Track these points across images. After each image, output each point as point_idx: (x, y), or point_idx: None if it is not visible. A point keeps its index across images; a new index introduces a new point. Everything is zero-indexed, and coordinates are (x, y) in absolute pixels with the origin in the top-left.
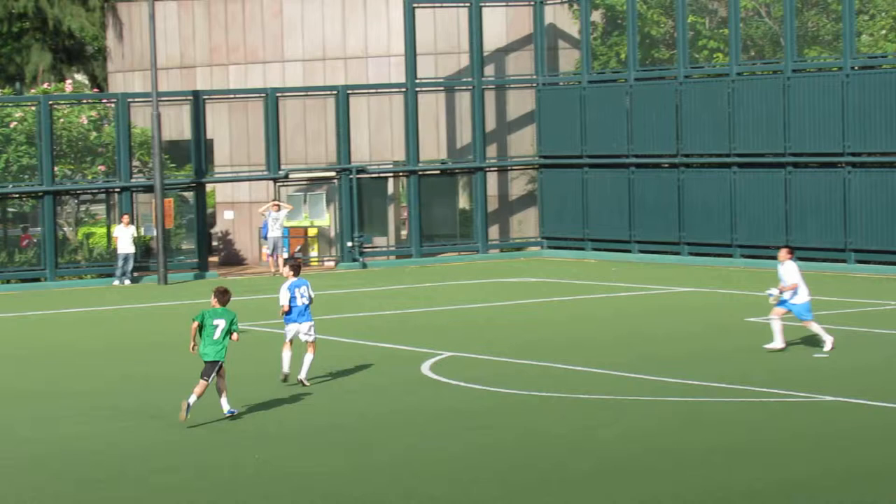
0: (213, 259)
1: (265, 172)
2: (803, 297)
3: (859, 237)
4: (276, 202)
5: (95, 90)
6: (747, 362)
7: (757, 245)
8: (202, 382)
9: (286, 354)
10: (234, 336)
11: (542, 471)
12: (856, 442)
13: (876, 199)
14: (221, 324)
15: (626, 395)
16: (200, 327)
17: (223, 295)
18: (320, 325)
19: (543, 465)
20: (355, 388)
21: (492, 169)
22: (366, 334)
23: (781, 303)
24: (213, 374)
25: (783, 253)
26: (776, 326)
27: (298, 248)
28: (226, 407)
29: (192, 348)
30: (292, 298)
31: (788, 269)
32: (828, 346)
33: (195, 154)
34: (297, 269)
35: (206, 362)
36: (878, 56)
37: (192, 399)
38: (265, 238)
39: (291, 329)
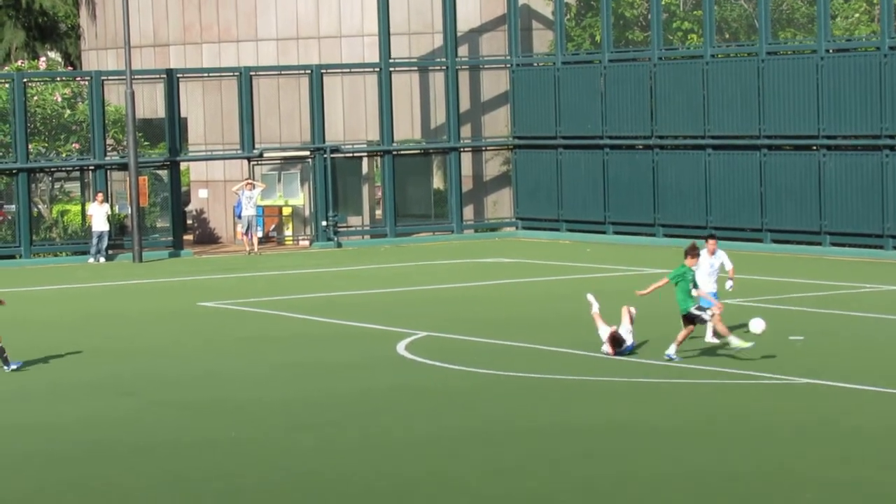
0: (188, 237)
1: (239, 151)
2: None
3: (834, 220)
4: (250, 181)
5: (69, 68)
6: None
7: (732, 227)
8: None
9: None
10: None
11: (519, 453)
12: (824, 424)
13: (851, 182)
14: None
15: (600, 377)
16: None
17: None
18: (293, 305)
19: (520, 448)
20: (329, 367)
21: (466, 149)
22: (340, 314)
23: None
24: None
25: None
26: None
27: (273, 227)
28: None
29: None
30: None
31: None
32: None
33: (169, 132)
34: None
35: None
36: (853, 39)
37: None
38: (239, 217)
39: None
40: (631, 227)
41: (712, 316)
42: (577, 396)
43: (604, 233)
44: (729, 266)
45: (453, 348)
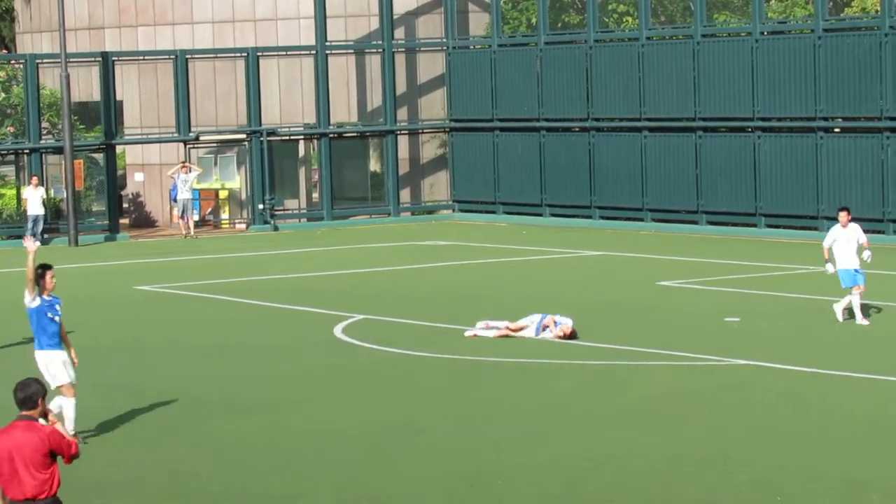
0: (124, 221)
1: (175, 134)
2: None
3: (769, 202)
4: (186, 164)
5: (3, 51)
6: (663, 325)
7: (667, 209)
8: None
9: None
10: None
11: (454, 439)
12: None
13: (785, 164)
14: None
15: (537, 359)
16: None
17: None
18: (230, 288)
19: (458, 431)
20: (264, 350)
21: (403, 132)
22: (277, 297)
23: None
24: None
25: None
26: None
27: (209, 210)
28: None
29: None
30: None
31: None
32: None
33: (105, 115)
34: None
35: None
36: (788, 21)
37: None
38: (175, 200)
39: None
40: (567, 210)
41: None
42: (514, 378)
43: (541, 215)
44: (863, 239)
45: (390, 331)
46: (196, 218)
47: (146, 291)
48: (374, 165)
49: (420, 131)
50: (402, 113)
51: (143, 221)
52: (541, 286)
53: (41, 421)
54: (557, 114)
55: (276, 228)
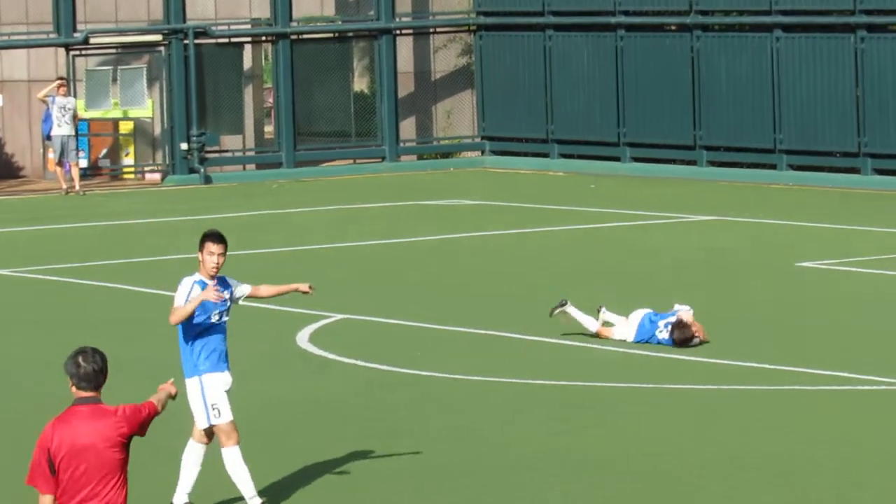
0: None
1: (53, 36)
2: None
3: None
4: (63, 79)
5: None
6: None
7: (812, 150)
8: None
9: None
10: None
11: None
12: None
13: None
14: None
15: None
16: None
17: None
18: (138, 272)
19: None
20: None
21: (405, 31)
22: None
23: None
24: None
25: None
26: None
27: (104, 151)
28: None
29: None
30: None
31: None
32: None
33: None
34: None
35: None
36: None
37: None
38: (49, 138)
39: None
40: (659, 152)
41: None
42: (525, 405)
43: (618, 160)
44: None
45: (379, 338)
46: (83, 164)
47: (3, 278)
48: (359, 84)
49: (431, 31)
50: (404, 3)
51: (3, 169)
52: (618, 269)
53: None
54: (644, 4)
55: (207, 180)
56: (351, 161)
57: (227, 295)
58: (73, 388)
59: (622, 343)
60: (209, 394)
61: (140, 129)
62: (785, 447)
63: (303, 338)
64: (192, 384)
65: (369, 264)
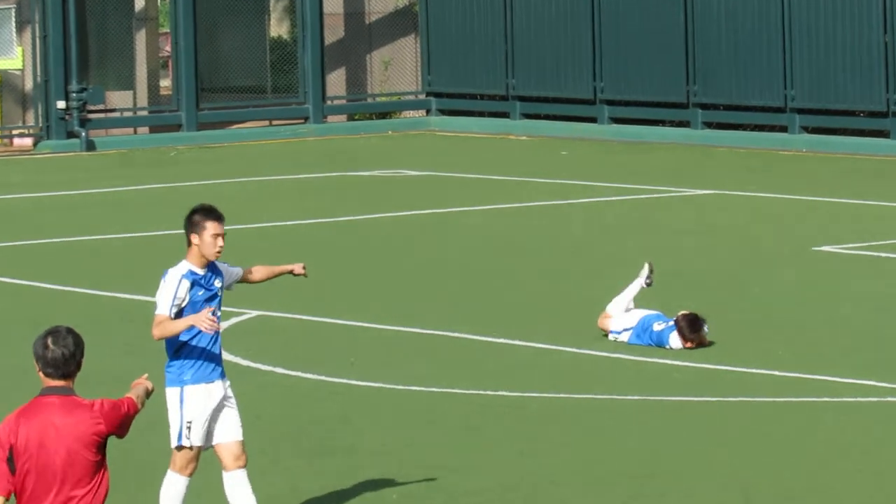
0: None
1: None
2: None
3: None
4: None
5: None
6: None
7: (831, 109)
8: None
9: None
10: None
11: None
12: None
13: None
14: None
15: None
16: None
17: None
18: (4, 256)
19: None
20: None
21: None
22: (91, 277)
23: None
24: None
25: None
26: None
27: None
28: None
29: None
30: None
31: None
32: None
33: None
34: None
35: None
36: None
37: None
38: None
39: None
40: (645, 111)
41: None
42: (480, 418)
43: (594, 120)
44: None
45: (303, 338)
46: None
47: None
48: (277, 28)
49: None
50: None
51: None
52: (593, 255)
53: None
54: None
55: (90, 145)
56: (267, 122)
57: (218, 322)
58: (41, 374)
59: (607, 344)
60: (188, 409)
61: (7, 84)
62: (799, 470)
63: None
64: (171, 394)
65: (290, 249)
